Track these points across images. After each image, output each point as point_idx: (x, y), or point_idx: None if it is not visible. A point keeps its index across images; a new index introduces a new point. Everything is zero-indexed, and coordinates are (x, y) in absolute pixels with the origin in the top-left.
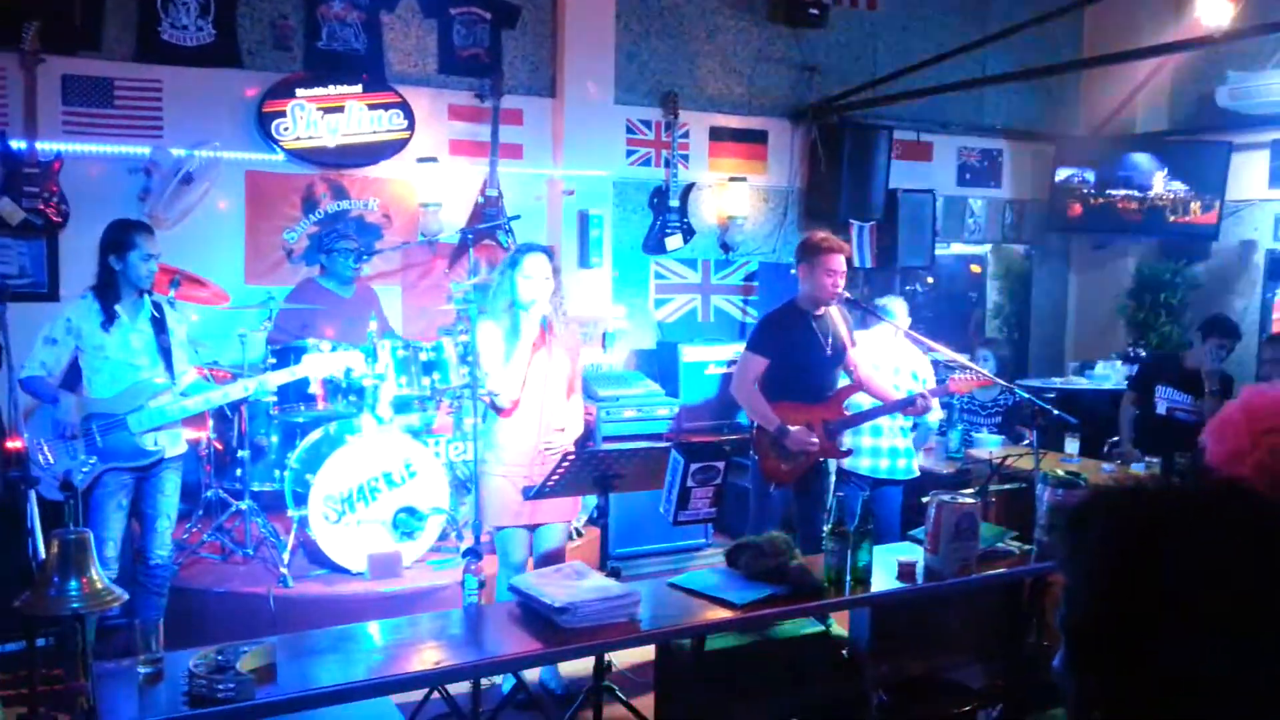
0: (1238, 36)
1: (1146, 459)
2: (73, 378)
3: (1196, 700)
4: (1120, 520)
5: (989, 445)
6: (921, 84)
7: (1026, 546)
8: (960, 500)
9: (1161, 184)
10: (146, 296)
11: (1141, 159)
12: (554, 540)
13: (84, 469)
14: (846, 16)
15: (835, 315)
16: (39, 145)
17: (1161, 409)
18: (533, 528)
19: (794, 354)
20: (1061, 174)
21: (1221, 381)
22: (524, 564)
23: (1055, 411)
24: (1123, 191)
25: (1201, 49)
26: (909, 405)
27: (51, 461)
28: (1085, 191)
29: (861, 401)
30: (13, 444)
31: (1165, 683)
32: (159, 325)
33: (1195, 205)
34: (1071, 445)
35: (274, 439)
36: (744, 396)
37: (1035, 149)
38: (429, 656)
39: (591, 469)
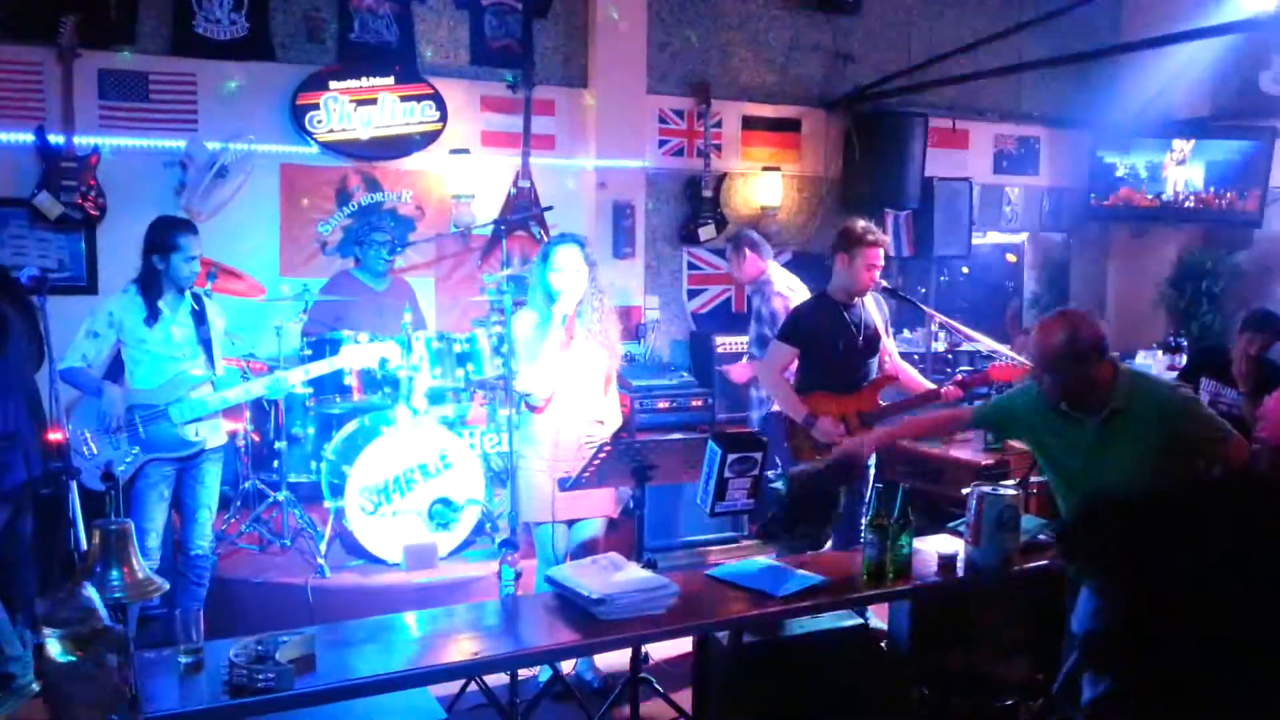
0: None
1: None
2: (115, 369)
3: (1188, 702)
4: (1119, 529)
5: None
6: (957, 71)
7: None
8: (1001, 492)
9: (1202, 171)
10: (187, 291)
11: (1182, 145)
12: (591, 531)
13: (127, 459)
14: (881, 2)
15: (870, 305)
16: (76, 139)
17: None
18: (571, 523)
19: (825, 344)
20: (1100, 161)
21: (1263, 374)
22: (562, 558)
23: None
24: (1162, 178)
25: (1244, 33)
26: (934, 398)
27: (95, 452)
28: (1124, 178)
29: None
30: (54, 435)
31: (1158, 684)
32: (199, 318)
33: (1237, 192)
34: None
35: (310, 430)
36: (770, 385)
37: (1073, 136)
38: (466, 647)
39: (627, 460)
